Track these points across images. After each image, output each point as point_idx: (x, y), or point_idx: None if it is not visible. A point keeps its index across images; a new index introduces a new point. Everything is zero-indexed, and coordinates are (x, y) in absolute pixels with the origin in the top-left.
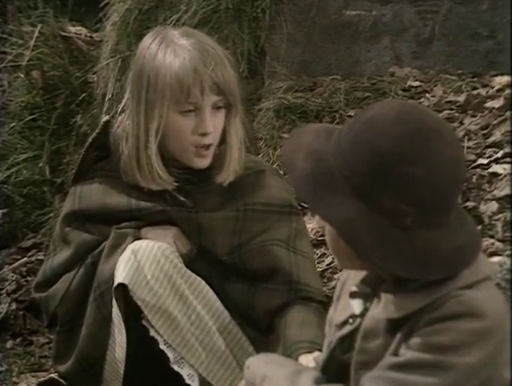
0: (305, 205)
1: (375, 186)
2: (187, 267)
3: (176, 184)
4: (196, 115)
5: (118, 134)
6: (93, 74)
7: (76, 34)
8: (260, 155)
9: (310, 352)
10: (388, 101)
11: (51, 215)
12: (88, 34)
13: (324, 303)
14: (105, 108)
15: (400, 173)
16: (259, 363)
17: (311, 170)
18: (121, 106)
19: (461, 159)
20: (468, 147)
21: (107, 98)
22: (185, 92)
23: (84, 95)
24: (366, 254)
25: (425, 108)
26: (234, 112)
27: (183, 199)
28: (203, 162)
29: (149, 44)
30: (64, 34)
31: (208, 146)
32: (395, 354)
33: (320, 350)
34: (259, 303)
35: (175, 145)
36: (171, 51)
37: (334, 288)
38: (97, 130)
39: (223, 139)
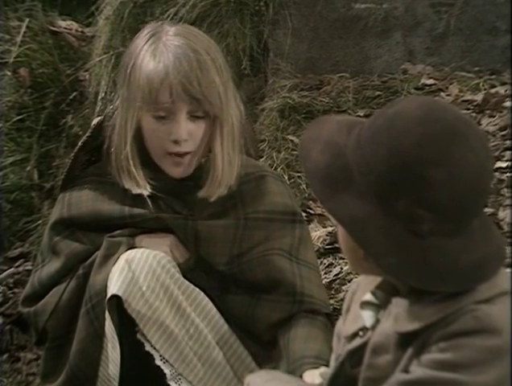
0: (311, 212)
1: (391, 186)
2: (184, 277)
3: (155, 191)
4: (170, 121)
5: (109, 134)
6: (85, 71)
7: (66, 28)
8: (263, 158)
9: (315, 368)
10: (418, 98)
11: (40, 222)
12: (80, 29)
13: (330, 316)
14: (98, 108)
15: (419, 175)
16: (260, 381)
17: (326, 164)
18: (114, 105)
19: (487, 167)
20: None
21: (100, 97)
22: (153, 95)
23: (75, 94)
24: (376, 258)
25: (456, 110)
26: (219, 123)
27: (179, 205)
28: (178, 171)
29: (138, 38)
30: (53, 29)
31: (183, 155)
32: (405, 370)
33: (326, 365)
34: (261, 316)
35: (152, 150)
36: (151, 50)
37: (342, 300)
38: (87, 132)
39: (209, 150)
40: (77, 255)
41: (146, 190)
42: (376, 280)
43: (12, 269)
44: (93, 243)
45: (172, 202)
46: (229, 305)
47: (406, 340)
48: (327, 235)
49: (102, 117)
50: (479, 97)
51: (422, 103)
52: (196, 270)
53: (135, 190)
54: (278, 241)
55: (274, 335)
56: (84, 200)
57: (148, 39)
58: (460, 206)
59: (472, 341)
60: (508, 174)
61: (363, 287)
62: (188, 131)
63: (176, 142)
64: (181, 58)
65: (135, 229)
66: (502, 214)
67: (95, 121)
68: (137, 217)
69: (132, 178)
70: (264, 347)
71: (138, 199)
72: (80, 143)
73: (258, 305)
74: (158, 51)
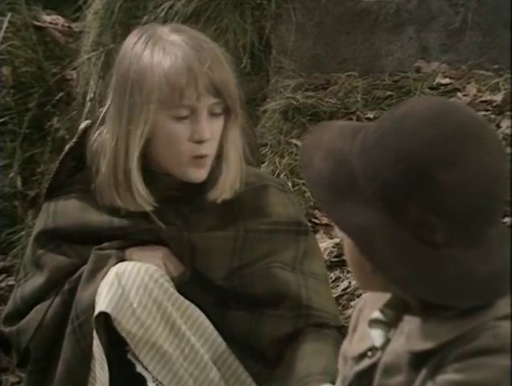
0: (317, 221)
1: (399, 192)
2: (179, 292)
3: (158, 205)
4: (191, 120)
5: (96, 149)
6: (72, 70)
7: (51, 24)
8: (265, 164)
9: (321, 384)
10: (427, 98)
11: (24, 233)
12: (66, 24)
13: (341, 329)
14: (86, 110)
15: (430, 180)
16: None
17: (330, 172)
18: (101, 116)
19: (504, 170)
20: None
21: (88, 98)
22: (177, 94)
23: (61, 94)
24: (385, 271)
25: (469, 110)
26: (233, 119)
27: (173, 216)
28: (199, 174)
29: (134, 43)
30: (37, 24)
31: (203, 156)
32: None
33: (333, 383)
34: (264, 332)
35: (166, 155)
36: (159, 48)
37: (351, 317)
38: (74, 138)
39: (219, 150)
40: (63, 269)
41: (150, 207)
42: (384, 296)
43: None
44: (80, 256)
45: (166, 212)
46: (229, 321)
47: (419, 360)
48: (334, 246)
49: (91, 121)
50: (498, 97)
51: (432, 103)
52: (192, 285)
53: (136, 209)
54: (280, 254)
55: (278, 352)
56: (70, 210)
57: (146, 42)
58: (476, 212)
59: (492, 360)
60: None
61: (370, 304)
62: (210, 130)
63: (199, 143)
64: (199, 49)
65: (125, 241)
66: None
67: (83, 126)
68: (127, 228)
69: (134, 195)
70: (266, 365)
71: (128, 210)
72: (66, 149)
73: (261, 321)
74: (168, 48)
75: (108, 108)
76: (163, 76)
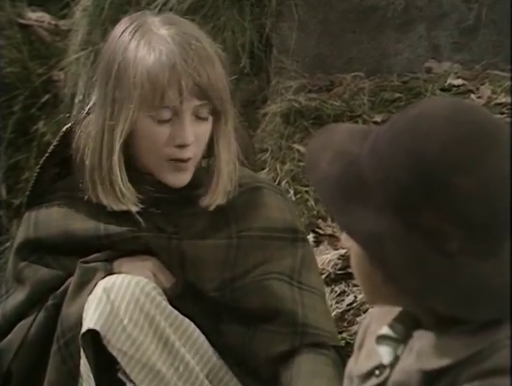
0: (320, 232)
1: (413, 197)
2: (171, 305)
3: (143, 206)
4: (174, 122)
5: (82, 140)
6: (59, 70)
7: (37, 21)
8: (265, 170)
9: None
10: (442, 99)
11: (8, 244)
12: (53, 22)
13: (339, 349)
14: (74, 113)
15: (445, 184)
16: None
17: (338, 174)
18: (86, 108)
19: None
20: None
21: (76, 100)
22: (159, 93)
23: (47, 96)
24: (396, 279)
25: (486, 112)
26: (224, 120)
27: (163, 222)
28: (179, 179)
29: (121, 32)
30: (22, 21)
31: (186, 160)
32: None
33: None
34: (259, 349)
35: (146, 156)
36: (146, 42)
37: (356, 334)
38: (55, 141)
39: (210, 152)
40: (46, 282)
41: (135, 206)
42: (392, 311)
43: None
44: (65, 268)
45: (155, 218)
46: (224, 337)
47: (431, 379)
48: (339, 258)
49: (72, 123)
50: None
51: (449, 103)
52: (184, 296)
53: (119, 207)
54: (276, 263)
55: (274, 371)
56: (53, 219)
57: (134, 32)
58: (493, 220)
59: (508, 380)
60: None
61: (378, 319)
62: (194, 133)
63: (181, 147)
64: (185, 46)
65: (113, 252)
66: None
67: (64, 128)
68: (114, 237)
69: (117, 193)
70: (264, 385)
71: (114, 217)
72: (46, 153)
73: (255, 337)
74: (154, 43)
75: (95, 100)
76: (145, 73)
